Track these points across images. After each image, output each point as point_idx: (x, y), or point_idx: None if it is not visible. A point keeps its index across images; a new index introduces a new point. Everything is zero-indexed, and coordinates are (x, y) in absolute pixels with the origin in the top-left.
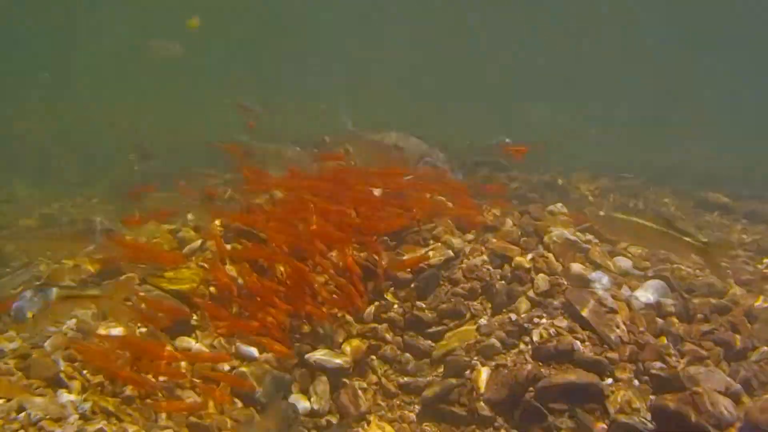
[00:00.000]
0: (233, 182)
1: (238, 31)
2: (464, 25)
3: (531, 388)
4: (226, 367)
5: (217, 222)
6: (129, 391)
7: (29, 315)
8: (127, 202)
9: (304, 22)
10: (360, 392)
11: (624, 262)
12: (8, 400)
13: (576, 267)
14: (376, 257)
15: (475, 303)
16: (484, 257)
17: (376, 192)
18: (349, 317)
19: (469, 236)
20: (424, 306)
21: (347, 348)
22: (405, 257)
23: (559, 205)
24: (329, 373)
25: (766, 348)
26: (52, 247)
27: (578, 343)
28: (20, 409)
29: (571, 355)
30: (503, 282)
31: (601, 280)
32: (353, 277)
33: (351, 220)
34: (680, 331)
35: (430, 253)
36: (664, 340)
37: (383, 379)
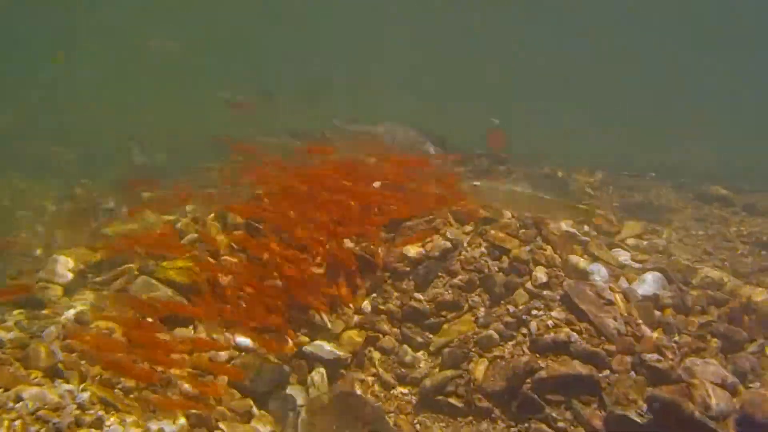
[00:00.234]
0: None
1: (238, 31)
2: (464, 25)
3: (528, 380)
4: (224, 357)
5: (212, 215)
6: (127, 381)
7: None
8: (128, 194)
9: (304, 21)
10: (358, 383)
11: (622, 255)
12: (6, 390)
13: (574, 259)
14: (374, 248)
15: (473, 295)
16: (483, 249)
17: (376, 184)
18: (347, 308)
19: (468, 228)
20: (422, 298)
21: (345, 339)
22: (412, 236)
23: None
24: (327, 364)
25: (763, 340)
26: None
27: (576, 335)
28: (18, 398)
29: (568, 347)
30: (501, 274)
31: (599, 273)
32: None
33: (350, 211)
34: (677, 323)
35: (427, 245)
36: (661, 332)
37: (381, 371)
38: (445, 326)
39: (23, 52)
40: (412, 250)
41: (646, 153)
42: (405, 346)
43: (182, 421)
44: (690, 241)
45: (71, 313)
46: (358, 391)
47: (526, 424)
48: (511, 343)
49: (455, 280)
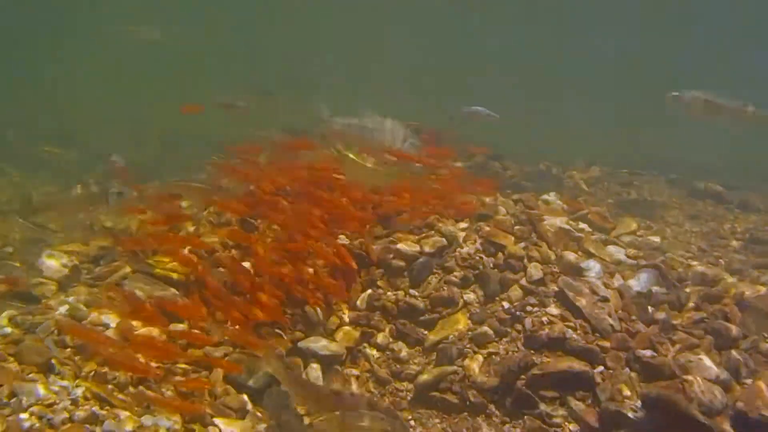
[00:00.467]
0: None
1: (240, 29)
2: (465, 23)
3: (523, 376)
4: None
5: (207, 211)
6: (121, 376)
7: None
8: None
9: (305, 21)
10: (352, 380)
11: (617, 251)
12: (0, 386)
13: (569, 256)
14: (368, 244)
15: (468, 291)
16: (478, 245)
17: None
18: (342, 305)
19: (463, 224)
20: (417, 294)
21: (340, 335)
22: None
23: (553, 193)
24: (322, 360)
25: (756, 336)
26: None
27: (570, 331)
28: (11, 394)
29: (563, 343)
30: (496, 270)
31: (593, 269)
32: (344, 267)
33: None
34: (671, 320)
35: (423, 242)
36: (655, 328)
37: (376, 367)
38: (440, 322)
39: (22, 52)
40: (408, 247)
41: (646, 149)
42: (400, 342)
43: (177, 416)
44: (684, 237)
45: (65, 308)
46: (354, 387)
47: (521, 420)
48: (505, 339)
49: (450, 277)
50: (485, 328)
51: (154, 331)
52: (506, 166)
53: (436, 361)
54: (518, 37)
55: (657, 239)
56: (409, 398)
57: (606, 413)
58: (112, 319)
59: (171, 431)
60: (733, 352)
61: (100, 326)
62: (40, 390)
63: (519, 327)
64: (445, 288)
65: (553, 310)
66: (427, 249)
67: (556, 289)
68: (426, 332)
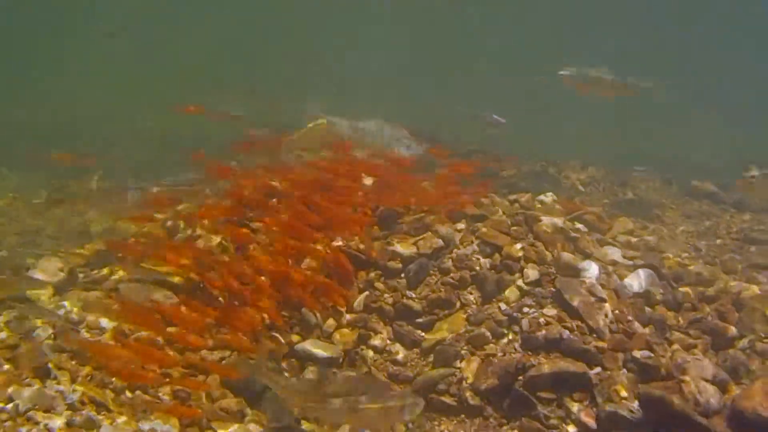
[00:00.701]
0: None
1: (234, 33)
2: (462, 23)
3: (520, 378)
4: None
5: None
6: (118, 381)
7: None
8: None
9: (304, 21)
10: None
11: (613, 252)
12: None
13: (566, 256)
14: (366, 246)
15: (465, 292)
16: (474, 246)
17: (367, 181)
18: (339, 307)
19: (460, 225)
20: (414, 295)
21: (337, 338)
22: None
23: (550, 194)
24: (319, 362)
25: (752, 336)
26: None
27: (567, 332)
28: (9, 399)
29: (559, 344)
30: (493, 271)
31: (590, 270)
32: (341, 271)
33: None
34: (668, 320)
35: (420, 242)
36: (652, 328)
37: (373, 369)
38: (438, 324)
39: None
40: (405, 248)
41: (646, 149)
42: (397, 344)
43: (174, 420)
44: (680, 237)
45: (62, 312)
46: None
47: (518, 422)
48: (503, 340)
49: (447, 278)
50: (482, 329)
51: (151, 335)
52: (503, 166)
53: (433, 363)
54: (518, 36)
55: (653, 239)
56: None
57: (603, 414)
58: (108, 323)
59: None
60: (730, 352)
61: (96, 330)
62: (37, 395)
63: (516, 328)
64: (442, 289)
65: (550, 311)
66: (423, 250)
67: (553, 290)
68: (423, 334)
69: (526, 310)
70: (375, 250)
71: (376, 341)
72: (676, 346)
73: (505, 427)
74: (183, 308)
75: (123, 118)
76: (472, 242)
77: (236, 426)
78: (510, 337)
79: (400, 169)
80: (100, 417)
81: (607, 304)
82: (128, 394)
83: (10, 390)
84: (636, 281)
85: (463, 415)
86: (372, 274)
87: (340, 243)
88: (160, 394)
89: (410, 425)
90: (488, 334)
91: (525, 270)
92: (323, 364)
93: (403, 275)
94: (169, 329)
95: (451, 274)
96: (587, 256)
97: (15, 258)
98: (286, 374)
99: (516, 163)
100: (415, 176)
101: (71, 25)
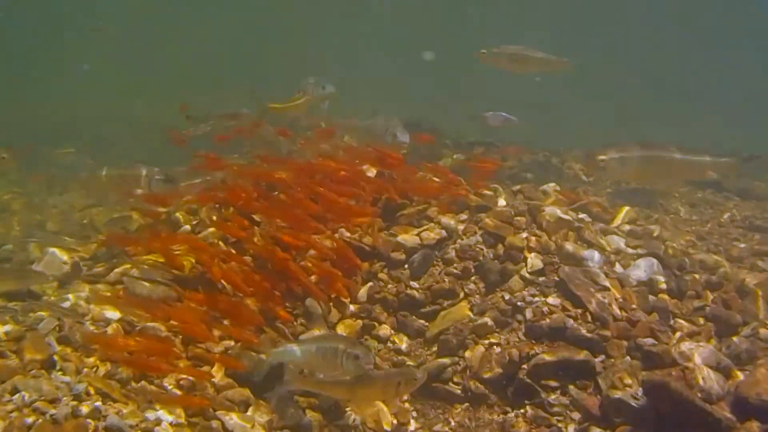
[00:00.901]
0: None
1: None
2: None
3: (524, 366)
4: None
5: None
6: (124, 372)
7: None
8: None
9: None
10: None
11: (617, 241)
12: (2, 382)
13: (569, 245)
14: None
15: (468, 282)
16: (478, 237)
17: (370, 173)
18: (343, 298)
19: (463, 216)
20: (417, 286)
21: (341, 328)
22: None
23: (552, 184)
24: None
25: (756, 323)
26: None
27: (571, 320)
28: (14, 390)
29: (563, 333)
30: (496, 261)
31: (593, 258)
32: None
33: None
34: (672, 308)
35: (423, 233)
36: (656, 316)
37: (377, 359)
38: (441, 314)
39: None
40: (408, 239)
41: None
42: (401, 334)
43: (180, 410)
44: (684, 226)
45: (66, 305)
46: None
47: (523, 410)
48: (507, 329)
49: (451, 268)
50: (486, 318)
51: (157, 327)
52: (505, 157)
53: (437, 353)
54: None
55: (657, 228)
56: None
57: (607, 401)
58: (113, 315)
59: (174, 425)
60: (734, 339)
61: (102, 322)
62: (43, 386)
63: (520, 317)
64: (446, 280)
65: (554, 300)
66: (427, 241)
67: (557, 279)
68: (427, 324)
69: (529, 299)
70: (378, 241)
71: (380, 331)
72: (679, 334)
73: (509, 415)
74: (186, 300)
75: (124, 117)
76: (476, 233)
77: (241, 415)
78: (514, 326)
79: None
80: (106, 407)
81: (610, 293)
82: (134, 384)
83: (16, 381)
84: (640, 270)
85: (467, 404)
86: (375, 265)
87: (347, 234)
88: (165, 385)
89: (415, 414)
90: (492, 323)
91: (528, 260)
92: None
93: (406, 266)
94: (174, 321)
95: (455, 265)
96: (591, 246)
97: (20, 251)
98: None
99: (518, 153)
100: (416, 166)
101: (72, 25)
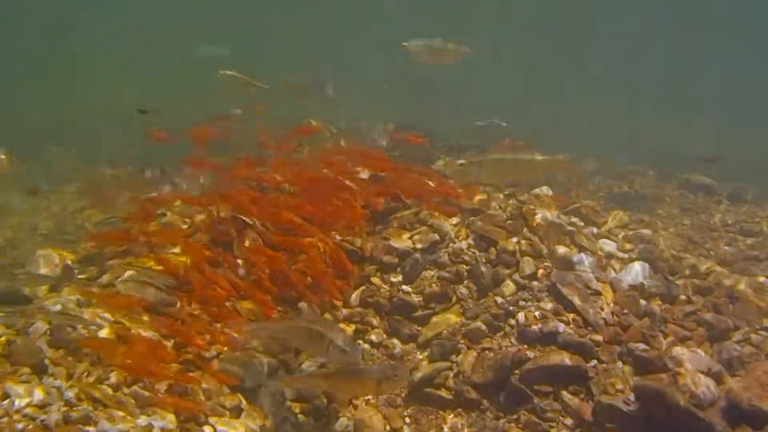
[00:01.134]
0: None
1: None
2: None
3: (516, 371)
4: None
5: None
6: (115, 377)
7: None
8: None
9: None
10: None
11: (608, 245)
12: None
13: (561, 250)
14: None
15: (461, 286)
16: (470, 241)
17: (364, 175)
18: (336, 301)
19: (455, 220)
20: (410, 290)
21: None
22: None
23: (545, 188)
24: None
25: (747, 328)
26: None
27: (563, 325)
28: (4, 396)
29: (555, 338)
30: (489, 265)
31: (585, 263)
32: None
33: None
34: (663, 313)
35: (416, 237)
36: (647, 321)
37: (370, 364)
38: (434, 318)
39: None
40: (400, 243)
41: (633, 137)
42: (394, 339)
43: (171, 416)
44: (675, 230)
45: (58, 308)
46: None
47: (515, 415)
48: (499, 334)
49: (443, 272)
50: (479, 323)
51: (149, 332)
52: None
53: (430, 357)
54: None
55: (648, 232)
56: (403, 395)
57: (599, 407)
58: (106, 319)
59: (165, 431)
60: (725, 344)
61: (94, 326)
62: (33, 391)
63: (512, 322)
64: (438, 284)
65: (546, 304)
66: (419, 245)
67: (549, 283)
68: (420, 328)
69: (522, 303)
70: (370, 245)
71: (372, 336)
72: (671, 339)
73: (502, 421)
74: (178, 305)
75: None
76: (468, 236)
77: (234, 421)
78: (506, 330)
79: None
80: (97, 413)
81: (602, 297)
82: (125, 389)
83: (6, 386)
84: (631, 274)
85: (459, 409)
86: (368, 269)
87: (338, 238)
88: (156, 390)
89: (408, 419)
90: (484, 327)
91: (521, 264)
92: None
93: (399, 270)
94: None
95: (447, 269)
96: (583, 250)
97: (11, 254)
98: (282, 369)
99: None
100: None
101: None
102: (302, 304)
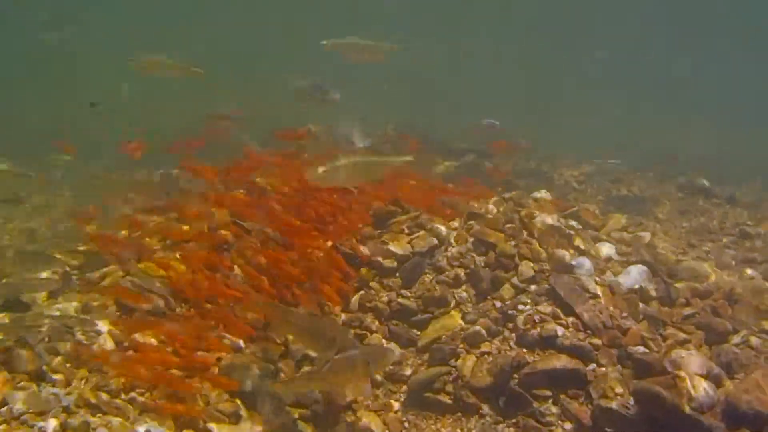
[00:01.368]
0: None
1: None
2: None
3: (516, 375)
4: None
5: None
6: (114, 383)
7: None
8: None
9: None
10: None
11: (607, 248)
12: None
13: (559, 253)
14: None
15: (460, 290)
16: (469, 245)
17: None
18: (335, 305)
19: (454, 224)
20: (409, 294)
21: None
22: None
23: (544, 191)
24: (315, 362)
25: (746, 331)
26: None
27: (562, 329)
28: (3, 403)
29: (555, 341)
30: (488, 269)
31: (584, 266)
32: (337, 272)
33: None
34: (662, 316)
35: (414, 241)
36: (646, 324)
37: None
38: (433, 322)
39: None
40: (399, 247)
41: (635, 139)
42: (393, 343)
43: (170, 422)
44: (674, 233)
45: (56, 315)
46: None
47: (515, 420)
48: (498, 338)
49: (442, 276)
50: (478, 327)
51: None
52: (497, 164)
53: (429, 362)
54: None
55: (647, 235)
56: (402, 399)
57: (599, 411)
58: (103, 325)
59: None
60: (724, 347)
61: (92, 332)
62: (32, 398)
63: (511, 326)
64: (437, 288)
65: (545, 308)
66: (418, 249)
67: (548, 286)
68: (418, 333)
69: (521, 307)
70: (369, 249)
71: (371, 340)
72: (670, 342)
73: (501, 425)
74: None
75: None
76: (467, 240)
77: (232, 426)
78: (505, 334)
79: None
80: (95, 419)
81: (601, 301)
82: (124, 396)
83: (4, 393)
84: (630, 277)
85: (459, 414)
86: (367, 274)
87: (337, 242)
88: (155, 397)
89: (407, 424)
90: (483, 332)
91: (519, 267)
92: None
93: (398, 274)
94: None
95: (446, 273)
96: (581, 253)
97: (9, 260)
98: (282, 375)
99: (511, 160)
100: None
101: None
102: (301, 309)
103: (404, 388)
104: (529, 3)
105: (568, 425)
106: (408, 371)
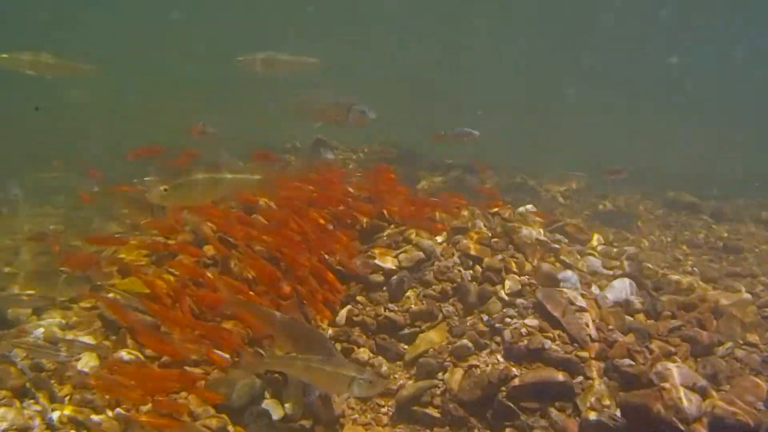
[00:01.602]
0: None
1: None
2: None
3: (503, 388)
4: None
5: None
6: (98, 399)
7: None
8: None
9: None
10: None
11: (593, 262)
12: None
13: (546, 267)
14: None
15: (447, 304)
16: (456, 258)
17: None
18: (321, 321)
19: (440, 238)
20: (396, 308)
21: None
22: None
23: (530, 206)
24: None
25: (731, 343)
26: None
27: (549, 342)
28: None
29: (541, 354)
30: (474, 283)
31: (570, 280)
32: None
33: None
34: (648, 328)
35: (401, 256)
36: (632, 337)
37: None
38: (420, 336)
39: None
40: (386, 262)
41: (618, 155)
42: (380, 358)
43: None
44: (659, 247)
45: (40, 332)
46: (335, 403)
47: None
48: (485, 351)
49: (429, 291)
50: (465, 341)
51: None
52: (483, 179)
53: (416, 376)
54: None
55: (633, 249)
56: (390, 413)
57: (586, 423)
58: (88, 342)
59: None
60: (710, 359)
61: (77, 348)
62: (15, 415)
63: (498, 339)
64: (424, 302)
65: (532, 321)
66: (405, 263)
67: (534, 300)
68: (406, 347)
69: (507, 320)
70: (356, 264)
71: (359, 355)
72: (656, 354)
73: None
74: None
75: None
76: (453, 254)
77: None
78: (492, 347)
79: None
80: None
81: (587, 314)
82: (109, 412)
83: None
84: (616, 290)
85: (447, 427)
86: (354, 288)
87: (326, 257)
88: (141, 413)
89: None
90: (471, 345)
91: (506, 281)
92: None
93: (385, 288)
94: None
95: (433, 287)
96: (568, 267)
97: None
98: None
99: (497, 175)
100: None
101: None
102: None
103: (392, 401)
104: (528, 3)
105: None
106: (396, 385)
